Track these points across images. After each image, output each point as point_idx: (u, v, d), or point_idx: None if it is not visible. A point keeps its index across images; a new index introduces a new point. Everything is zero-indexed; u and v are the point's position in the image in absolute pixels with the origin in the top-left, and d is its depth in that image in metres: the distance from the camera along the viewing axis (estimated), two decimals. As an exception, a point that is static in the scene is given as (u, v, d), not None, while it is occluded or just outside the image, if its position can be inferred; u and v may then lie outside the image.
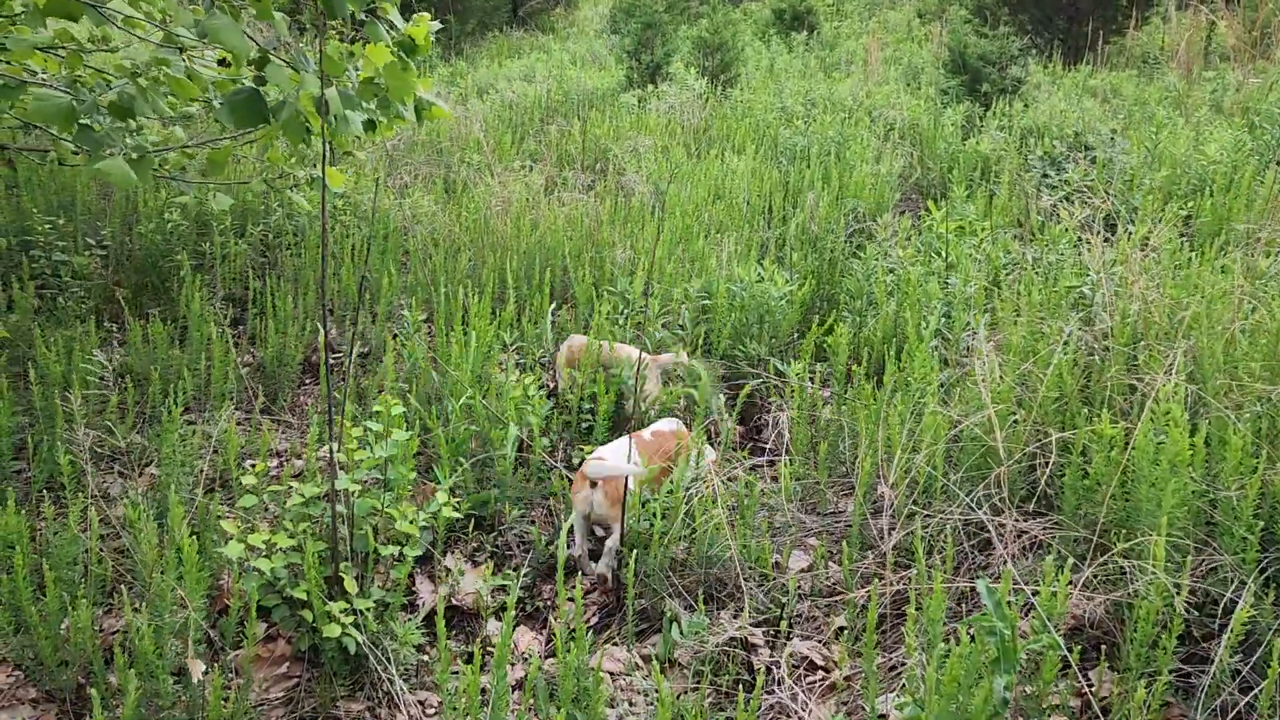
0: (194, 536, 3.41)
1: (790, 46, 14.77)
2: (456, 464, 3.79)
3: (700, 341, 4.79)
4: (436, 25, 3.59)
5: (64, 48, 3.76)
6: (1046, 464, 3.03)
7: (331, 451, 3.00)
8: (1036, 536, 2.83)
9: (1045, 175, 6.32)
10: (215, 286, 6.10)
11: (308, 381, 5.28)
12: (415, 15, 3.51)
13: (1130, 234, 4.62)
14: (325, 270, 2.83)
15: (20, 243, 5.73)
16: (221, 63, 3.41)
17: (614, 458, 3.55)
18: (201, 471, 3.80)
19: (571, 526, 3.58)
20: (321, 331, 3.80)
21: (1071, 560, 2.63)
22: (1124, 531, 2.72)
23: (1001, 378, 3.02)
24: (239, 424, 4.70)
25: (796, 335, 5.33)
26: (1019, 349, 3.27)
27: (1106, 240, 5.19)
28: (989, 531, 2.87)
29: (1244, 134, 6.83)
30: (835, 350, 4.16)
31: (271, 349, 4.86)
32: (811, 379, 5.13)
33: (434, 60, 13.81)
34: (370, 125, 3.55)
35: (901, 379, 3.71)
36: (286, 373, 4.97)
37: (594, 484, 3.52)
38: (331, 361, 5.27)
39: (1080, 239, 4.98)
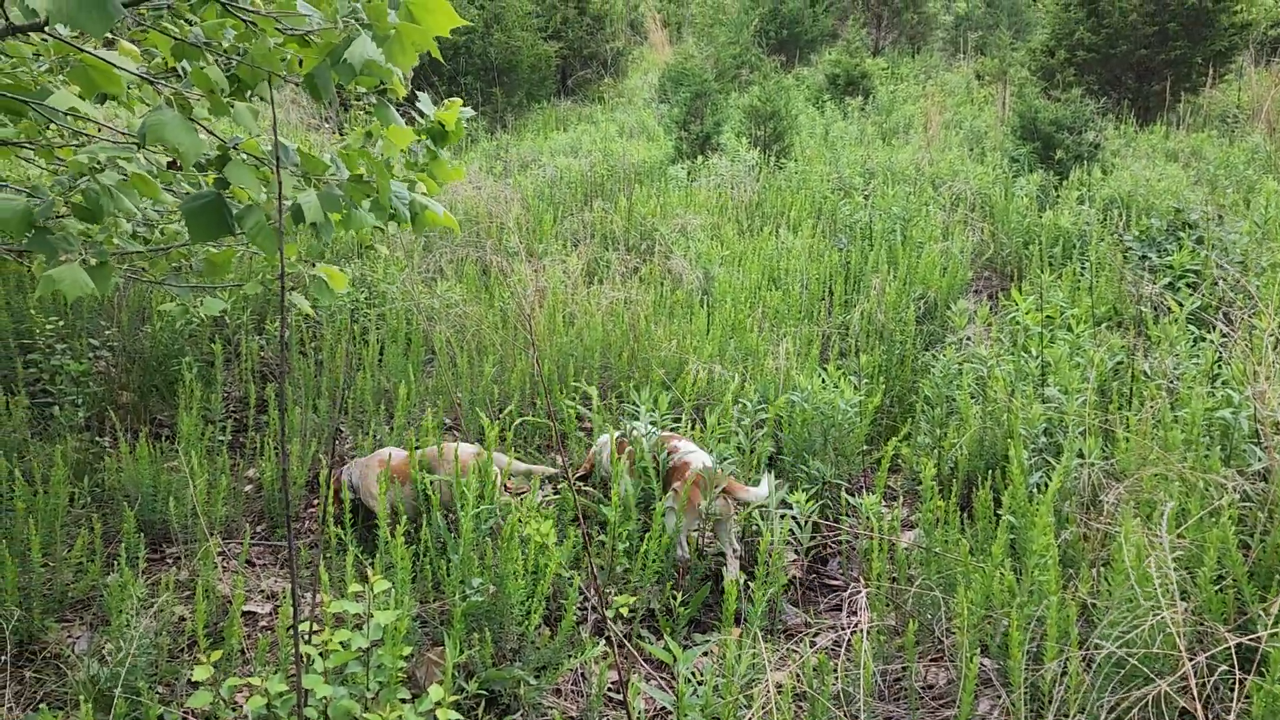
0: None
1: (845, 112, 14.24)
2: (470, 633, 3.18)
3: (764, 461, 4.16)
4: (469, 112, 3.13)
5: (31, 144, 3.32)
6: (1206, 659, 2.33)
7: (297, 640, 2.40)
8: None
9: (1144, 258, 5.61)
10: (230, 387, 5.63)
11: (316, 503, 4.73)
12: (446, 100, 3.04)
13: (1255, 329, 3.93)
14: (285, 412, 2.27)
15: (19, 345, 5.31)
16: (173, 165, 2.91)
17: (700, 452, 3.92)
18: (162, 637, 3.23)
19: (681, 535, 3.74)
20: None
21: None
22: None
23: (1151, 550, 2.35)
24: (230, 559, 4.14)
25: (866, 446, 4.67)
26: (1172, 515, 2.59)
27: (1224, 336, 4.49)
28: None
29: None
30: (921, 480, 3.50)
31: (270, 471, 4.32)
32: (889, 500, 4.47)
33: (478, 133, 13.51)
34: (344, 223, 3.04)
35: (1005, 525, 3.03)
36: (293, 491, 4.42)
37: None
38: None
39: (1201, 336, 4.28)
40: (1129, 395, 4.08)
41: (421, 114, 3.04)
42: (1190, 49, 13.03)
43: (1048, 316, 4.98)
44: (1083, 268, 6.36)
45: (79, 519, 4.05)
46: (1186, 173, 9.55)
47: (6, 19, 2.26)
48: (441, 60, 2.42)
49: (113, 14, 1.82)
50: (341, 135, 12.01)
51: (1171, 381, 3.95)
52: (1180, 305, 4.58)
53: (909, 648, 2.89)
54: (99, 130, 3.01)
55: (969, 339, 5.50)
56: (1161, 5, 12.92)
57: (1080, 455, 3.42)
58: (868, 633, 3.07)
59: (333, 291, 3.38)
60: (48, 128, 3.26)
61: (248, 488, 4.65)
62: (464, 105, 3.12)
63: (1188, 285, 5.42)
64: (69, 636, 3.59)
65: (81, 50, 2.59)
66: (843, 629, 3.43)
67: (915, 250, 6.94)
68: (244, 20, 2.47)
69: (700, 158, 10.30)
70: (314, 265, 3.45)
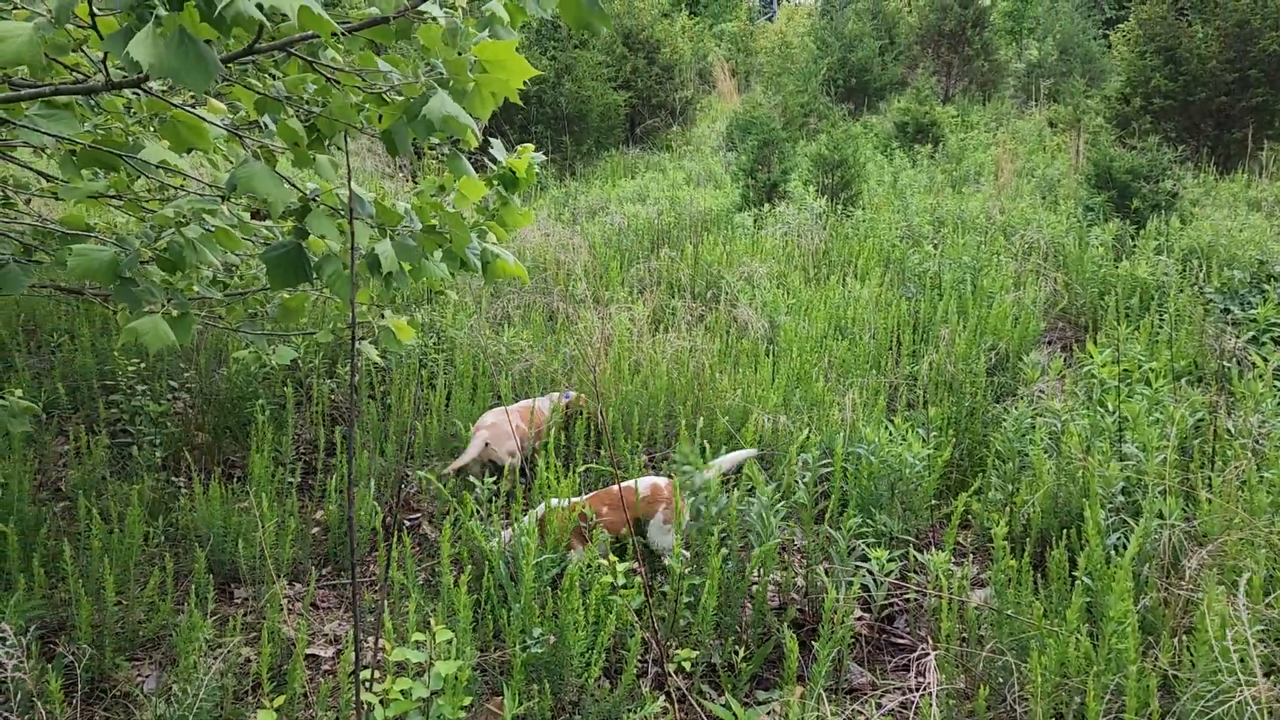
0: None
1: (914, 160, 14.16)
2: (530, 683, 3.15)
3: (828, 515, 4.09)
4: (540, 157, 3.17)
5: (119, 196, 3.46)
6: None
7: (358, 688, 2.41)
8: None
9: (1226, 310, 5.44)
10: (301, 430, 5.73)
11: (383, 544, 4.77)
12: (519, 147, 3.10)
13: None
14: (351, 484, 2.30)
15: (102, 386, 5.50)
16: (255, 215, 3.00)
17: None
18: (228, 679, 3.27)
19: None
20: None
21: None
22: None
23: (1236, 621, 2.25)
24: (295, 601, 4.19)
25: (935, 500, 4.57)
26: (1258, 584, 2.47)
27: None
28: None
29: None
30: (992, 538, 3.41)
31: (335, 513, 4.38)
32: (958, 558, 4.36)
33: (547, 181, 13.72)
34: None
35: (1080, 587, 2.93)
36: (358, 536, 4.47)
37: None
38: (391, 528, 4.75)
39: (1286, 395, 4.12)
40: (1211, 454, 3.94)
41: (494, 160, 3.10)
42: (1272, 96, 12.73)
43: (1125, 370, 4.85)
44: (1161, 320, 6.19)
45: (152, 558, 4.14)
46: (1270, 223, 9.28)
47: (108, 76, 2.35)
48: (520, 104, 2.47)
49: (212, 70, 1.88)
50: (415, 182, 12.29)
51: (1257, 441, 3.80)
52: (1265, 361, 4.43)
53: (980, 714, 2.80)
54: (184, 182, 3.11)
55: (1042, 392, 5.37)
56: (1242, 52, 12.67)
57: (1160, 516, 3.30)
58: (936, 696, 2.98)
59: (400, 342, 3.45)
60: (136, 179, 3.39)
61: (314, 530, 4.71)
62: (534, 151, 3.17)
63: (1273, 340, 5.24)
64: (138, 675, 3.65)
65: (175, 106, 2.70)
66: (910, 691, 3.33)
67: (986, 300, 6.84)
68: (326, 77, 2.54)
69: (767, 206, 10.31)
70: (383, 315, 3.52)
